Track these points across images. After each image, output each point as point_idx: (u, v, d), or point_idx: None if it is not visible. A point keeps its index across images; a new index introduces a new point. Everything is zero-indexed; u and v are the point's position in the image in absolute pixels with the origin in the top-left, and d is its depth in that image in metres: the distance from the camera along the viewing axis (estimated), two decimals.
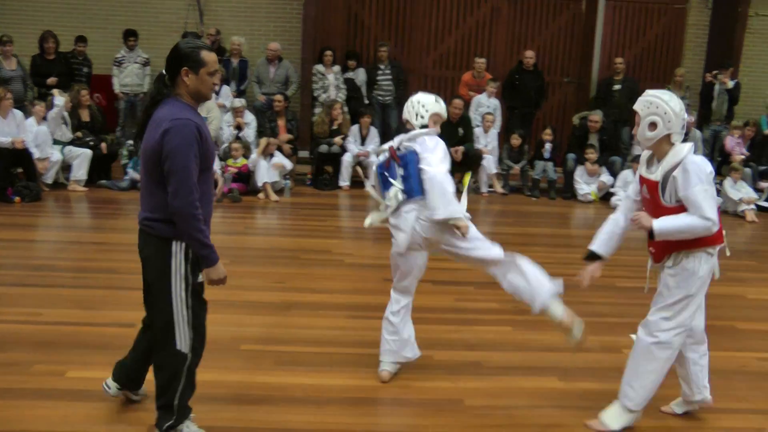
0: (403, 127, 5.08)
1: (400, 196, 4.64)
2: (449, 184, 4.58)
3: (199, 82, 3.62)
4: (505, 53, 13.73)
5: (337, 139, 11.56)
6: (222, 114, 11.68)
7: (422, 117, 4.98)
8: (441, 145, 4.81)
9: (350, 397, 4.51)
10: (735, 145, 12.47)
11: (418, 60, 13.66)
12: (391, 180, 4.72)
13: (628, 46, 13.96)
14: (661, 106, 4.04)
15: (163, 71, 3.68)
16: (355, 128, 11.76)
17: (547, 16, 13.87)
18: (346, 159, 11.55)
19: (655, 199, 4.16)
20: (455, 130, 11.43)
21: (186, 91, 3.64)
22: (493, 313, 6.20)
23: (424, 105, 5.03)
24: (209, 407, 4.22)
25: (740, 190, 11.55)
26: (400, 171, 4.71)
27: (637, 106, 4.16)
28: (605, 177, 11.67)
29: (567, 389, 4.84)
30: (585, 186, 11.64)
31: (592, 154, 11.54)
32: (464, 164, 11.55)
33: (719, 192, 11.70)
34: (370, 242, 8.49)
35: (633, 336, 5.31)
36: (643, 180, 4.28)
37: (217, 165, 10.75)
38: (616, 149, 12.43)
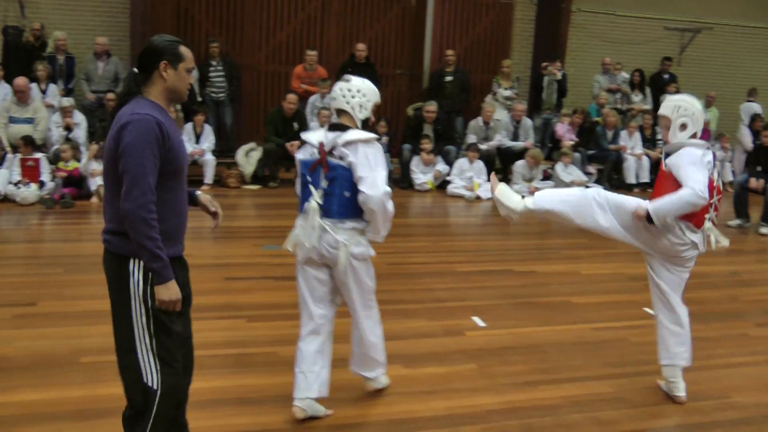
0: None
1: (317, 214, 4.15)
2: (391, 203, 4.22)
3: (178, 79, 3.31)
4: (337, 47, 13.83)
5: None
6: (50, 114, 11.20)
7: (365, 109, 4.31)
8: (381, 155, 4.21)
9: (195, 400, 4.46)
10: (565, 132, 13.14)
11: (250, 55, 13.53)
12: (312, 189, 4.19)
13: (458, 38, 14.34)
14: (688, 107, 4.62)
15: (134, 69, 3.36)
16: (188, 127, 11.56)
17: (378, 10, 14.06)
18: None
19: (666, 181, 4.63)
20: (290, 125, 11.46)
21: (163, 87, 3.30)
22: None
23: (365, 94, 4.32)
24: (51, 427, 4.08)
25: (571, 174, 12.19)
26: (324, 183, 4.15)
27: (665, 110, 4.68)
28: (441, 166, 12.02)
29: (413, 375, 4.97)
30: (421, 175, 11.93)
31: (427, 144, 11.84)
32: None
33: (551, 176, 12.32)
34: (210, 242, 8.41)
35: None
36: (662, 170, 4.77)
37: (46, 168, 10.34)
38: (450, 139, 12.80)
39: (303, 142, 4.35)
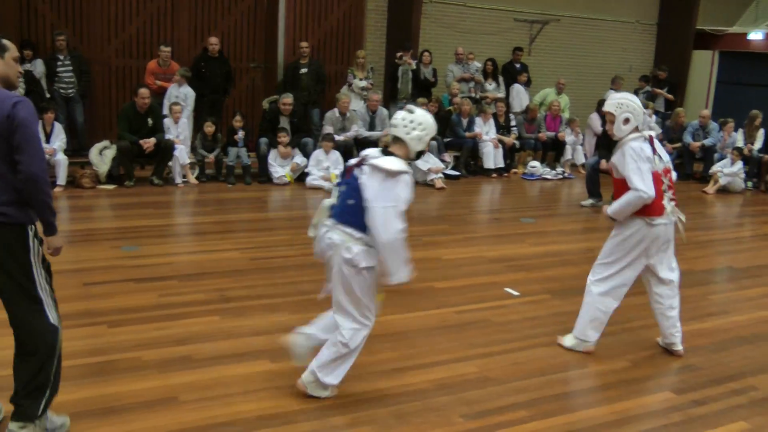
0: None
1: (326, 205, 4.45)
2: (403, 248, 4.27)
3: (8, 67, 3.76)
4: (189, 40, 13.52)
5: None
6: None
7: (422, 143, 4.44)
8: (402, 190, 4.26)
9: (63, 414, 4.28)
10: None
11: (99, 49, 13.01)
12: (334, 189, 4.51)
13: (311, 30, 14.29)
14: (629, 105, 5.16)
15: None
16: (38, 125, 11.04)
17: (230, 2, 13.81)
18: None
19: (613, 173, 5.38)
20: (144, 121, 11.13)
21: None
22: (199, 304, 6.13)
23: (425, 128, 4.45)
24: None
25: (428, 161, 12.37)
26: (342, 186, 4.41)
27: (609, 107, 5.22)
28: (299, 158, 11.94)
29: (280, 369, 4.92)
30: (279, 169, 11.82)
31: (284, 138, 11.75)
32: (156, 155, 11.32)
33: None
34: (66, 246, 8.06)
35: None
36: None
37: None
38: (307, 131, 12.77)
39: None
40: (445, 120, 13.55)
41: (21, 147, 3.61)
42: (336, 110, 12.62)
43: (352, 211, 4.26)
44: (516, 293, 6.79)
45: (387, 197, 4.17)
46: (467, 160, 13.64)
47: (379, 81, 14.60)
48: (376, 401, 4.55)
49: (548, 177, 13.85)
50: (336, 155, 11.76)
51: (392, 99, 14.01)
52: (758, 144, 13.80)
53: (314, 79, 13.20)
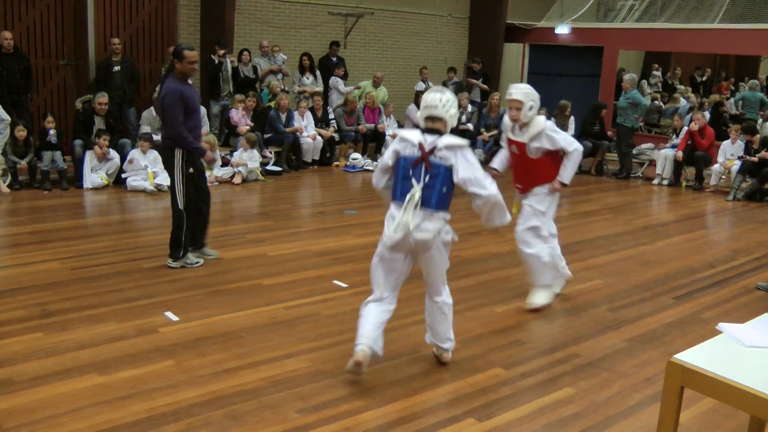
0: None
1: (417, 198, 4.73)
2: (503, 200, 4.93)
3: (183, 67, 6.91)
4: None
5: None
6: None
7: (454, 119, 4.96)
8: (474, 157, 4.88)
9: None
10: (240, 118, 13.28)
11: None
12: (414, 183, 4.77)
13: (122, 26, 13.75)
14: (533, 93, 6.16)
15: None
16: None
17: None
18: None
19: (524, 153, 6.34)
20: None
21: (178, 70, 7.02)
22: (18, 321, 5.78)
23: (454, 106, 4.91)
24: None
25: (252, 158, 12.41)
26: (426, 178, 4.76)
27: (518, 96, 6.13)
28: (116, 159, 11.56)
29: (109, 382, 4.78)
30: (95, 174, 11.38)
31: (105, 140, 11.28)
32: None
33: (228, 162, 12.40)
34: None
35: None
36: (511, 141, 6.45)
37: None
38: (124, 130, 12.41)
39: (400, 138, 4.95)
40: (263, 115, 13.54)
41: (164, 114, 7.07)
42: (152, 109, 12.30)
43: (446, 198, 4.82)
44: (344, 285, 6.93)
45: (475, 165, 4.79)
46: (288, 155, 13.67)
47: (196, 78, 14.37)
48: (209, 404, 4.51)
49: (370, 168, 14.09)
50: (154, 154, 11.40)
51: (213, 96, 13.86)
52: (571, 131, 14.60)
53: (128, 77, 12.82)
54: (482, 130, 15.48)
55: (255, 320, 5.97)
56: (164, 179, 10.94)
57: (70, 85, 13.68)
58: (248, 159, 12.38)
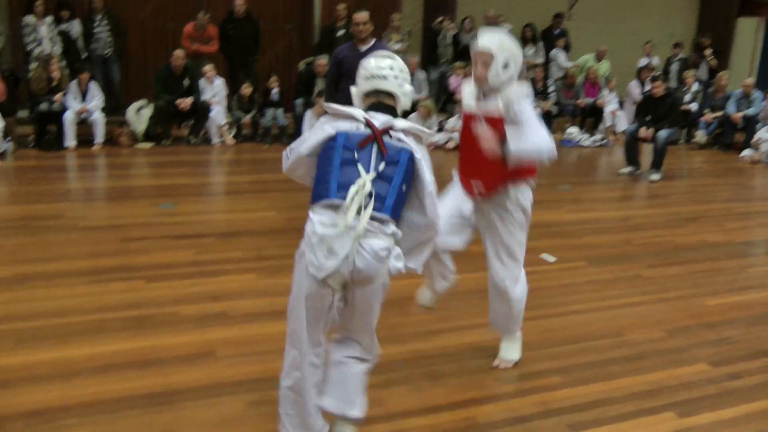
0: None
1: (367, 190, 3.09)
2: None
3: None
4: (225, 3, 13.45)
5: (57, 96, 10.91)
6: None
7: (406, 95, 3.45)
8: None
9: (98, 365, 4.37)
10: (458, 85, 13.28)
11: (134, 10, 13.07)
12: (361, 170, 3.13)
13: None
14: (512, 48, 4.05)
15: None
16: (73, 84, 11.14)
17: None
18: (68, 117, 10.94)
19: (500, 131, 3.95)
20: (179, 82, 11.21)
21: None
22: (236, 262, 6.20)
23: (407, 76, 3.45)
24: None
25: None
26: (381, 165, 3.15)
27: (489, 46, 4.00)
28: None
29: None
30: None
31: (321, 98, 11.72)
32: (192, 115, 11.40)
33: (443, 128, 12.45)
34: (103, 203, 8.18)
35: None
36: (472, 116, 4.17)
37: None
38: None
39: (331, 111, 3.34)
40: None
41: None
42: None
43: (404, 202, 3.24)
44: (552, 259, 6.77)
45: (430, 171, 3.33)
46: None
47: (417, 44, 14.50)
48: (410, 362, 4.58)
49: (585, 144, 13.73)
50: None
51: (432, 63, 13.94)
52: None
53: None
54: (706, 111, 14.61)
55: (462, 285, 5.90)
56: None
57: (295, 48, 14.22)
58: None
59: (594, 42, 15.78)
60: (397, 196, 3.15)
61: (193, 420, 3.82)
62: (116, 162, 10.22)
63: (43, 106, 10.82)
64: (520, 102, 3.99)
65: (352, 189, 3.06)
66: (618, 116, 14.66)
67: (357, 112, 3.27)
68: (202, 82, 11.77)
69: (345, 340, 3.46)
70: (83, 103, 11.01)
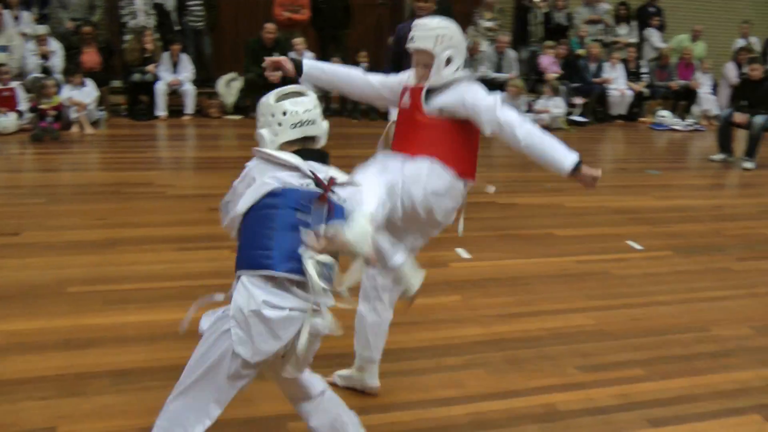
0: None
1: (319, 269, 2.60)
2: None
3: None
4: None
5: (150, 67, 11.17)
6: (25, 42, 11.00)
7: (326, 134, 3.07)
8: None
9: (187, 330, 4.45)
10: (549, 64, 13.07)
11: None
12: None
13: None
14: (455, 36, 3.52)
15: None
16: (165, 56, 11.38)
17: None
18: (160, 88, 11.19)
19: (417, 105, 3.55)
20: (269, 55, 11.26)
21: None
22: None
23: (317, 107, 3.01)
24: (38, 356, 4.08)
25: (558, 106, 12.24)
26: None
27: (424, 44, 3.46)
28: None
29: (398, 306, 4.90)
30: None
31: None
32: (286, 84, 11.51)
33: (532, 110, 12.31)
34: (192, 172, 8.36)
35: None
36: (405, 89, 3.69)
37: (23, 97, 10.20)
38: None
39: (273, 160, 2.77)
40: (573, 64, 13.23)
41: None
42: None
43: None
44: (638, 247, 6.64)
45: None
46: (594, 106, 13.31)
47: (508, 22, 14.32)
48: (490, 344, 4.55)
49: (677, 128, 13.38)
50: None
51: (522, 42, 13.76)
52: None
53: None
54: None
55: (544, 269, 5.90)
56: None
57: (385, 23, 14.17)
58: (552, 107, 12.20)
59: (689, 21, 15.29)
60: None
61: (274, 389, 3.88)
62: (205, 133, 10.43)
63: (136, 77, 11.11)
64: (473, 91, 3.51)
65: (310, 265, 2.56)
66: (709, 99, 14.21)
67: (299, 162, 2.73)
68: (292, 56, 11.84)
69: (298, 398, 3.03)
70: (175, 75, 11.26)
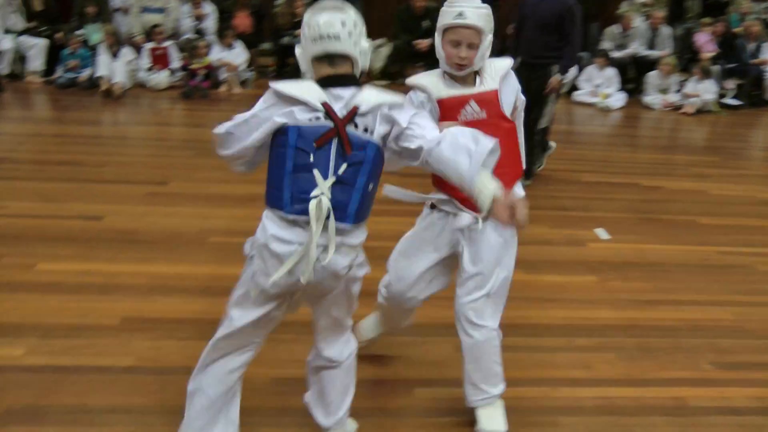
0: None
1: (324, 209, 2.51)
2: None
3: None
4: None
5: (299, 32, 11.35)
6: (181, 5, 11.42)
7: (364, 54, 2.81)
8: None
9: None
10: (705, 43, 12.50)
11: None
12: (318, 176, 2.53)
13: None
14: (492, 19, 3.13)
15: None
16: None
17: None
18: None
19: (498, 112, 3.15)
20: (419, 23, 11.29)
21: None
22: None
23: (362, 30, 2.82)
24: (180, 299, 4.29)
25: (709, 90, 11.74)
26: (342, 167, 2.54)
27: (477, 21, 3.03)
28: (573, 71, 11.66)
29: (531, 281, 4.91)
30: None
31: None
32: (428, 57, 11.48)
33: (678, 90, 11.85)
34: None
35: (598, 231, 5.49)
36: (463, 99, 3.15)
37: (176, 56, 10.62)
38: (583, 45, 12.40)
39: (285, 97, 2.62)
40: (730, 43, 12.60)
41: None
42: (618, 25, 12.19)
43: (371, 201, 2.67)
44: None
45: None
46: (750, 90, 12.64)
47: None
48: (623, 329, 4.45)
49: None
50: (610, 72, 11.44)
51: (677, 18, 13.21)
52: None
53: None
54: None
55: (685, 257, 5.69)
56: (617, 101, 11.02)
57: None
58: (702, 91, 11.68)
59: None
60: (362, 199, 2.58)
61: (402, 353, 3.93)
62: None
63: (286, 40, 11.34)
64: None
65: (312, 206, 2.50)
66: None
67: (312, 94, 2.58)
68: None
69: (319, 340, 2.97)
70: None
